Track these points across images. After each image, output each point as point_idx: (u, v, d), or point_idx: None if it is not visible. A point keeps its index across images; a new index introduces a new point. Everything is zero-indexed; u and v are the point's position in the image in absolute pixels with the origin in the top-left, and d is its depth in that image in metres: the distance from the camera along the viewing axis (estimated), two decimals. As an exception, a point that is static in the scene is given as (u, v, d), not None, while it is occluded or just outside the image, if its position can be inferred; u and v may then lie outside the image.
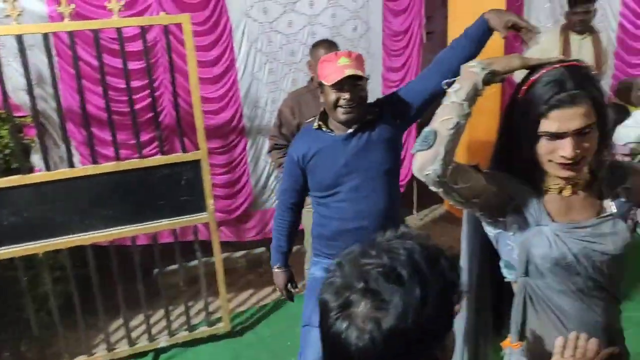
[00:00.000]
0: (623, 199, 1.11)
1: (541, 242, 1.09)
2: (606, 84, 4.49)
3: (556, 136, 1.01)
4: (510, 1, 3.71)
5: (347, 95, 1.63)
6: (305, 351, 1.81)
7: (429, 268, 0.67)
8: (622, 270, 1.16)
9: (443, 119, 1.04)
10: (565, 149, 1.00)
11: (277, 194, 2.00)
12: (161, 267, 2.86)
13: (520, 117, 1.07)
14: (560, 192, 1.11)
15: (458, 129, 1.04)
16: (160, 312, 2.99)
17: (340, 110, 1.66)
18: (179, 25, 2.42)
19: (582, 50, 3.25)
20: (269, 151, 2.82)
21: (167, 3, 2.84)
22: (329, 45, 2.51)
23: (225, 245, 3.56)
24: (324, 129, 1.76)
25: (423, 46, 4.74)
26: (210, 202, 2.58)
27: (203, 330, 2.89)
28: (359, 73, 1.64)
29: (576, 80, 1.00)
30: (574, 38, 3.27)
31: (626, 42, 4.49)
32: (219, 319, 2.95)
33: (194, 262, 3.10)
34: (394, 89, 3.77)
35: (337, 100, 1.65)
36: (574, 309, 1.12)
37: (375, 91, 3.73)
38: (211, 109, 3.19)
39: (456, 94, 1.06)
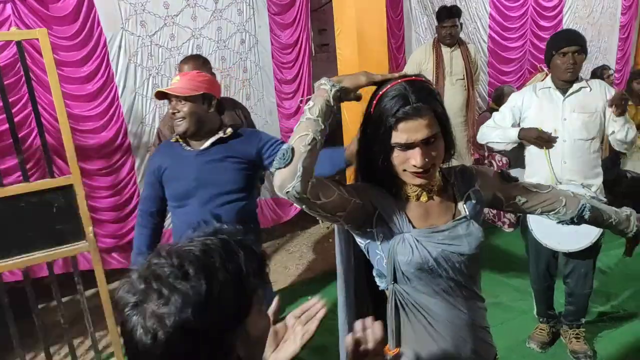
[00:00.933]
0: (474, 201, 1.18)
1: (404, 249, 1.12)
2: (483, 90, 4.93)
3: (406, 147, 1.06)
4: (389, 16, 3.94)
5: (171, 110, 1.76)
6: None
7: (222, 261, 0.70)
8: (479, 268, 1.23)
9: (299, 136, 1.05)
10: (416, 158, 1.06)
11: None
12: (36, 304, 2.58)
13: (373, 130, 1.11)
14: (418, 198, 1.16)
15: (314, 145, 1.05)
16: (42, 356, 2.70)
17: (174, 122, 1.78)
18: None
19: (453, 61, 3.52)
20: None
21: (29, 16, 2.61)
22: (187, 61, 2.39)
23: (120, 273, 3.35)
24: (181, 143, 1.84)
25: (317, 58, 4.85)
26: (89, 229, 2.39)
27: (93, 368, 2.66)
28: (172, 92, 1.72)
29: (417, 94, 1.06)
30: (445, 50, 3.53)
31: (497, 52, 4.97)
32: (111, 354, 2.73)
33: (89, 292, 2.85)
34: (289, 101, 3.85)
35: (173, 113, 1.78)
36: (440, 309, 1.16)
37: (269, 103, 3.74)
38: (90, 128, 2.98)
39: (310, 110, 1.07)
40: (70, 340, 2.62)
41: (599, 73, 4.43)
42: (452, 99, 3.54)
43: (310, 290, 3.24)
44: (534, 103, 2.33)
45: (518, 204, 1.26)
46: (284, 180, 1.03)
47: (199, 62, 2.32)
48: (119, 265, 3.24)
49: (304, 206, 1.08)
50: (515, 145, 2.38)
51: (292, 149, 1.03)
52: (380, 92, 1.10)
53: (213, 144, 1.80)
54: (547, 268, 2.50)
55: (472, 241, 1.14)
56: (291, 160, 1.02)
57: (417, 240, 1.12)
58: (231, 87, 3.47)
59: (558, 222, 1.30)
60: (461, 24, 3.55)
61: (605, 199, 2.30)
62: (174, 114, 1.74)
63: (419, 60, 3.56)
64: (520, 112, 2.36)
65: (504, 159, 4.12)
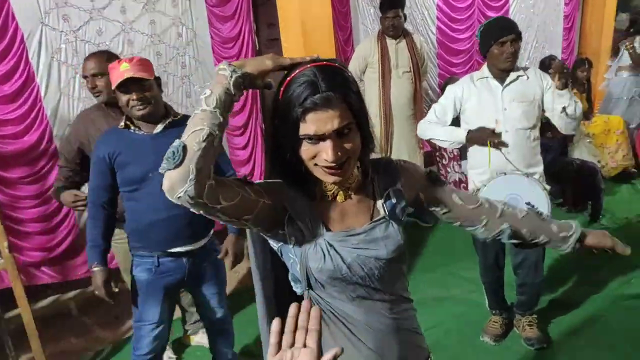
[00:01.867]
0: (394, 200, 1.07)
1: (316, 255, 1.02)
2: (434, 82, 4.91)
3: (316, 139, 0.94)
4: (336, 8, 3.83)
5: (134, 96, 1.75)
6: (138, 344, 1.97)
7: None
8: (402, 271, 1.13)
9: (193, 131, 0.90)
10: (327, 151, 0.94)
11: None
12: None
13: (281, 120, 0.96)
14: (334, 198, 1.06)
15: (211, 142, 0.91)
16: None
17: (134, 109, 1.78)
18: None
19: (398, 53, 3.44)
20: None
21: None
22: (90, 58, 2.17)
23: (52, 288, 3.11)
24: (131, 128, 1.85)
25: (265, 53, 4.66)
26: (4, 244, 2.17)
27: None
28: (138, 75, 1.73)
29: (328, 82, 0.92)
30: (391, 42, 3.44)
31: (445, 44, 4.95)
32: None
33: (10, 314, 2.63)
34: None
35: (128, 101, 1.77)
36: (359, 315, 1.07)
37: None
38: (10, 133, 2.72)
39: (206, 100, 0.92)
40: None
41: (547, 63, 4.49)
42: (399, 92, 3.46)
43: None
44: (474, 94, 2.29)
45: (439, 212, 1.16)
46: (173, 183, 0.88)
47: (102, 57, 2.10)
48: (50, 280, 3.00)
49: (201, 211, 0.94)
50: (461, 145, 2.35)
51: (184, 147, 0.89)
52: (288, 78, 0.96)
53: (165, 127, 1.85)
54: (496, 260, 2.47)
55: (390, 244, 1.04)
56: (182, 160, 0.88)
57: (330, 245, 1.02)
58: (169, 85, 3.26)
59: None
60: (405, 15, 3.46)
61: (548, 187, 2.28)
62: (139, 99, 1.77)
63: (365, 54, 3.46)
64: (461, 103, 2.32)
65: (455, 151, 4.10)
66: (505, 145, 2.21)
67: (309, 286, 1.05)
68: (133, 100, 1.76)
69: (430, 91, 4.91)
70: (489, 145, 2.20)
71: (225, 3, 3.42)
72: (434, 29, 4.78)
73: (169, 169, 0.89)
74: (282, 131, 0.97)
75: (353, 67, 3.43)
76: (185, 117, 1.88)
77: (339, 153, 0.94)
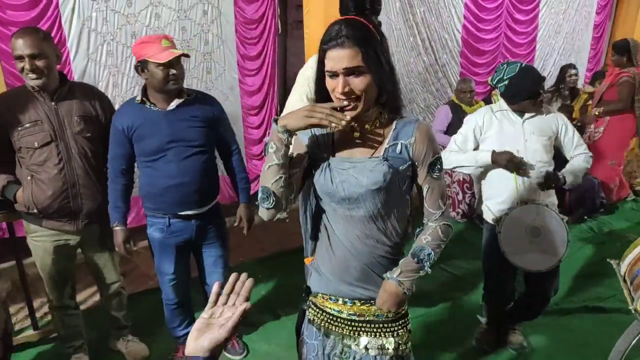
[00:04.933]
0: (398, 151, 1.28)
1: (319, 172, 1.31)
2: (454, 80, 4.92)
3: (332, 74, 1.18)
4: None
5: (174, 71, 1.94)
6: (164, 291, 2.27)
7: None
8: (388, 214, 1.32)
9: (273, 181, 1.23)
10: (338, 84, 1.18)
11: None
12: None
13: (318, 60, 1.23)
14: (352, 131, 1.29)
15: (287, 181, 1.25)
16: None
17: (170, 83, 1.96)
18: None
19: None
20: None
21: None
22: (22, 35, 1.89)
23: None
24: (147, 104, 2.00)
25: (293, 35, 4.76)
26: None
27: (29, 335, 2.65)
28: (183, 52, 1.96)
29: (348, 30, 1.15)
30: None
31: (470, 43, 4.96)
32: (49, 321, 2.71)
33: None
34: (251, 78, 3.80)
35: (167, 76, 1.93)
36: (339, 231, 1.34)
37: (230, 79, 3.68)
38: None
39: (275, 154, 1.22)
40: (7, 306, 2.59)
41: (564, 70, 4.46)
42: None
43: (261, 270, 3.29)
44: (494, 124, 2.30)
45: (417, 192, 1.35)
46: (271, 215, 1.28)
47: (39, 36, 1.91)
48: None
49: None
50: (485, 167, 2.32)
51: (272, 193, 1.24)
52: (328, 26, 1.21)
53: (178, 106, 2.01)
54: (512, 289, 2.47)
55: (372, 177, 1.24)
56: (274, 203, 1.25)
57: (329, 166, 1.29)
58: (191, 60, 3.40)
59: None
60: (379, 22, 3.18)
61: (566, 217, 2.29)
62: (174, 74, 1.94)
63: None
64: (481, 132, 2.33)
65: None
66: (528, 175, 2.22)
67: (317, 198, 1.36)
68: (172, 74, 1.92)
69: (449, 89, 4.94)
70: (514, 172, 2.22)
71: (252, -16, 3.51)
72: (459, 26, 4.79)
73: (265, 208, 1.26)
74: (318, 69, 1.24)
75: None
76: (198, 95, 2.10)
77: (347, 88, 1.17)
